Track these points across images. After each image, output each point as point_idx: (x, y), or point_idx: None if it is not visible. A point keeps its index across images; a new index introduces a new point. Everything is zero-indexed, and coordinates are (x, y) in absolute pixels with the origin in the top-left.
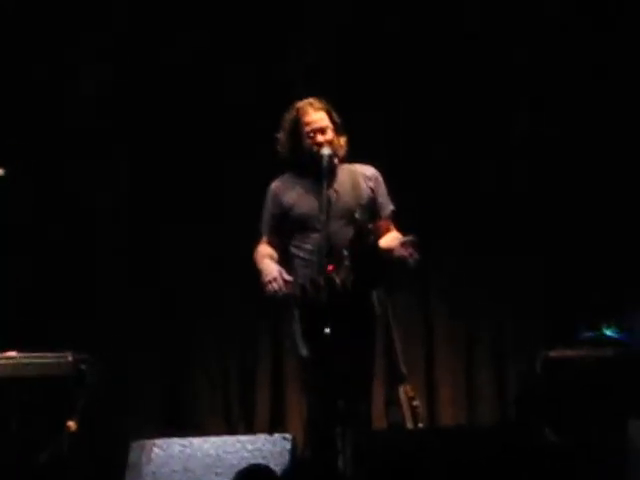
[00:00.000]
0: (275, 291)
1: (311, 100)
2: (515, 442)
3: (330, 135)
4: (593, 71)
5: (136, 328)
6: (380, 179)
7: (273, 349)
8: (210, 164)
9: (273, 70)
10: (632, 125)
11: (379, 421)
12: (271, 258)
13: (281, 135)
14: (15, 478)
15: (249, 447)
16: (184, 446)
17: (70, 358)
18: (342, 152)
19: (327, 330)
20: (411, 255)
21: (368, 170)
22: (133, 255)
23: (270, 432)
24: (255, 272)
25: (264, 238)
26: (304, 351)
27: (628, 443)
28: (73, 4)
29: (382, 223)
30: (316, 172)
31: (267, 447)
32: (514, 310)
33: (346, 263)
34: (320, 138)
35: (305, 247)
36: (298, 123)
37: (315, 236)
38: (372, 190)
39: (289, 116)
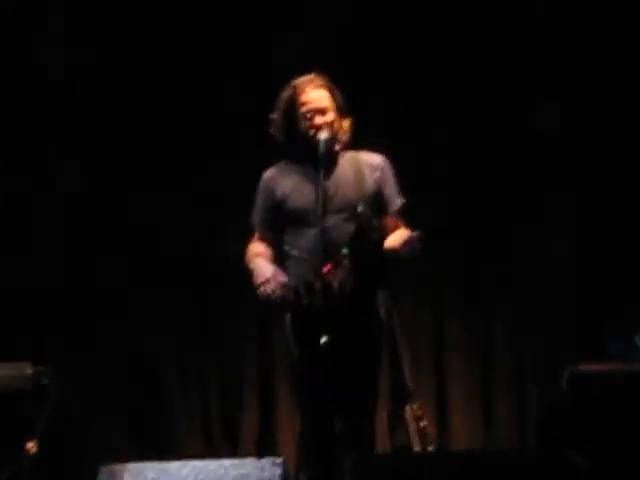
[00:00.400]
0: (269, 294)
1: (311, 76)
2: (536, 468)
3: (330, 117)
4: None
5: (103, 337)
6: (389, 169)
7: (261, 358)
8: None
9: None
10: None
11: (382, 443)
12: (264, 257)
13: (276, 116)
14: None
15: (233, 473)
16: (159, 471)
17: (29, 370)
18: (345, 137)
19: (324, 339)
20: (413, 249)
21: (375, 159)
22: (98, 264)
23: (258, 455)
24: (246, 273)
25: (256, 234)
26: (298, 362)
27: None
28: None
29: (389, 220)
30: (313, 159)
31: (255, 473)
32: (535, 320)
33: (345, 263)
34: (318, 120)
35: (299, 244)
36: (294, 102)
37: (311, 232)
38: (378, 182)
39: (285, 94)
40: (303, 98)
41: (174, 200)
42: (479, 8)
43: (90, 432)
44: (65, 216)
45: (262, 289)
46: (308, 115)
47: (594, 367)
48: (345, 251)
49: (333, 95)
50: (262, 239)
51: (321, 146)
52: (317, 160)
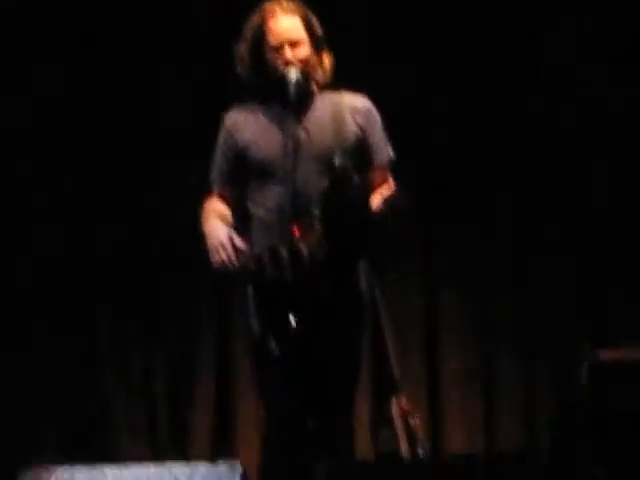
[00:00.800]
0: (223, 262)
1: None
2: (549, 478)
3: (305, 51)
4: None
5: (33, 317)
6: (375, 114)
7: (216, 343)
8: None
9: None
10: None
11: (363, 445)
12: (222, 217)
13: (241, 47)
14: None
15: (183, 479)
16: (92, 476)
17: None
18: (323, 76)
19: (293, 319)
20: (396, 203)
21: (359, 101)
22: (36, 255)
23: (212, 458)
24: (199, 237)
25: (215, 190)
26: (260, 347)
27: None
28: None
29: (375, 174)
30: (284, 101)
31: (209, 479)
32: (543, 297)
33: (316, 226)
34: (289, 54)
35: (265, 203)
36: (262, 31)
37: (278, 188)
38: (362, 128)
39: (253, 21)
40: (272, 25)
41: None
42: None
43: (13, 429)
44: None
45: (216, 256)
46: (277, 47)
47: (623, 355)
48: (316, 211)
49: (309, 24)
50: (221, 196)
51: (291, 87)
52: (287, 102)
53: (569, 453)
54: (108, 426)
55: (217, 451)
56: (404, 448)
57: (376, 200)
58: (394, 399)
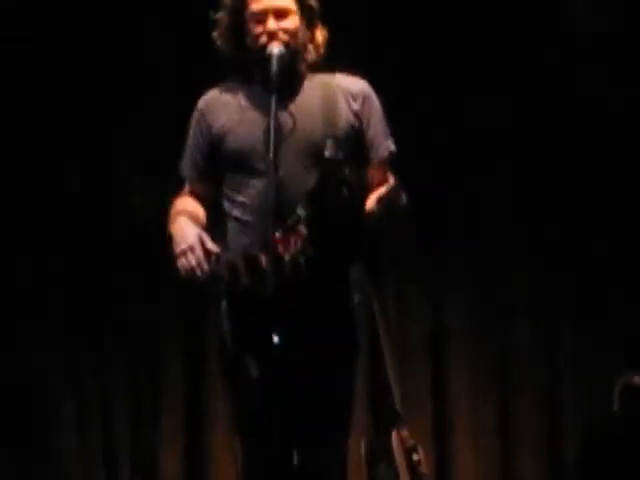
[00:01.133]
0: (192, 268)
1: None
2: None
3: (292, 23)
4: None
5: None
6: (374, 100)
7: (186, 365)
8: None
9: None
10: None
11: None
12: (192, 217)
13: (221, 17)
14: None
15: None
16: None
17: None
18: (314, 54)
19: (275, 338)
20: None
21: (355, 84)
22: None
23: None
24: (167, 239)
25: (186, 186)
26: (237, 370)
27: None
28: None
29: (373, 170)
30: (265, 81)
31: None
32: (567, 313)
33: (300, 229)
34: (272, 25)
35: (242, 201)
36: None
37: (257, 184)
38: (358, 115)
39: None
40: None
41: None
42: None
43: None
44: None
45: (182, 260)
46: (260, 16)
47: None
48: (301, 212)
49: None
50: (193, 193)
51: (273, 63)
52: (269, 82)
53: None
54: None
55: None
56: None
57: (371, 201)
58: (394, 430)
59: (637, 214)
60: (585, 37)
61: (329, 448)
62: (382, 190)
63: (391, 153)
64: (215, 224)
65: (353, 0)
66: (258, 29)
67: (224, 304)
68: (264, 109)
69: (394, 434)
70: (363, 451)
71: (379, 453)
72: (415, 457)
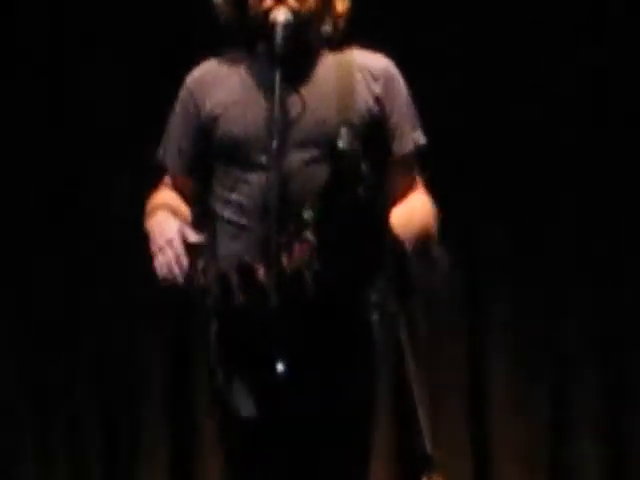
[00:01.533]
0: (170, 269)
1: None
2: None
3: None
4: None
5: None
6: (399, 82)
7: (168, 398)
8: None
9: None
10: None
11: None
12: (174, 211)
13: None
14: None
15: None
16: None
17: None
18: (332, 28)
19: (280, 366)
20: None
21: (377, 62)
22: None
23: None
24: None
25: (166, 177)
26: (228, 409)
27: None
28: None
29: (396, 167)
30: (269, 54)
31: None
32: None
33: (307, 236)
34: None
35: (237, 199)
36: None
37: (257, 179)
38: (380, 100)
39: None
40: None
41: None
42: None
43: None
44: None
45: (160, 259)
46: None
47: None
48: (308, 214)
49: None
50: (176, 188)
51: (278, 31)
52: (272, 57)
53: None
54: None
55: None
56: None
57: (401, 226)
58: (425, 478)
59: None
60: None
61: None
62: (427, 211)
63: (418, 147)
64: (201, 227)
65: None
66: None
67: (214, 325)
68: (266, 89)
69: None
70: None
71: None
72: None
